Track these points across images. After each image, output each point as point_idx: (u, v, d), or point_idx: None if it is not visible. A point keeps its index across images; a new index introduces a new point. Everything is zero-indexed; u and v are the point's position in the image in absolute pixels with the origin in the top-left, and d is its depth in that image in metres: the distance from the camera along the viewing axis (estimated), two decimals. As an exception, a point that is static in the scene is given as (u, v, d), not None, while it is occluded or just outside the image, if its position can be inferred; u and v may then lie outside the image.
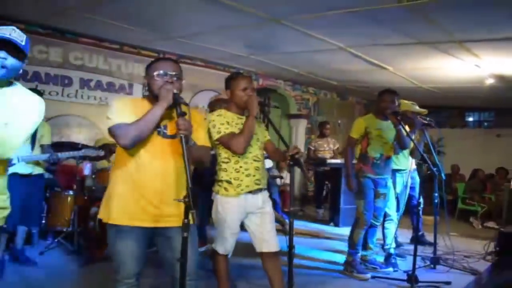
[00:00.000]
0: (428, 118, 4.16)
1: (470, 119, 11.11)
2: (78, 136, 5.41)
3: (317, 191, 6.97)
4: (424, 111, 4.28)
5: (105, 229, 4.37)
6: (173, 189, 1.95)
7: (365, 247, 3.90)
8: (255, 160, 2.63)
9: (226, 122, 2.57)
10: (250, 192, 2.60)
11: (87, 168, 4.33)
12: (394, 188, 4.18)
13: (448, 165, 8.40)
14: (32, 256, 3.81)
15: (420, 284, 3.36)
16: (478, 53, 5.17)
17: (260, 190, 2.65)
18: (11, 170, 3.53)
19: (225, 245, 2.63)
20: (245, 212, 2.64)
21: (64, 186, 4.65)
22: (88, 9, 4.36)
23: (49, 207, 4.32)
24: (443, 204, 4.11)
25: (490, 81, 6.56)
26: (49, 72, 5.19)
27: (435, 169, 3.78)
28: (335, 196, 6.09)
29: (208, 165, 2.26)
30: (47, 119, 4.50)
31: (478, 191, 7.26)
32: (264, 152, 2.79)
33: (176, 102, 1.85)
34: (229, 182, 2.57)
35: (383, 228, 4.21)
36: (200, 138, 2.07)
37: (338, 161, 6.11)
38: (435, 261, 4.08)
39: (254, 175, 2.61)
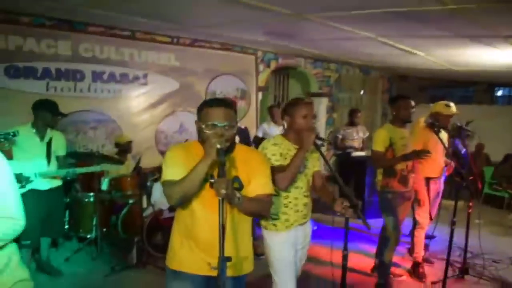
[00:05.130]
0: (463, 126, 3.89)
1: (499, 93, 10.23)
2: (95, 132, 5.25)
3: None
4: (457, 112, 3.99)
5: (130, 233, 4.23)
6: (228, 241, 1.80)
7: None
8: (304, 196, 2.52)
9: (279, 153, 2.42)
10: (299, 224, 2.53)
11: (104, 183, 4.20)
12: (428, 195, 4.01)
13: (473, 144, 7.91)
14: (57, 263, 3.85)
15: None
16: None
17: (306, 222, 2.60)
18: (30, 186, 3.45)
19: None
20: (295, 245, 2.52)
21: (83, 188, 4.54)
22: (97, 6, 4.05)
23: (70, 213, 4.29)
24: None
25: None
26: (60, 67, 4.91)
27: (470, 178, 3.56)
28: (359, 188, 5.94)
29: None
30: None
31: (508, 177, 6.87)
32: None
33: (219, 158, 1.72)
34: (275, 217, 2.46)
35: (412, 235, 4.09)
36: (256, 187, 1.93)
37: (362, 153, 5.90)
38: (464, 271, 3.96)
39: (302, 211, 2.52)
